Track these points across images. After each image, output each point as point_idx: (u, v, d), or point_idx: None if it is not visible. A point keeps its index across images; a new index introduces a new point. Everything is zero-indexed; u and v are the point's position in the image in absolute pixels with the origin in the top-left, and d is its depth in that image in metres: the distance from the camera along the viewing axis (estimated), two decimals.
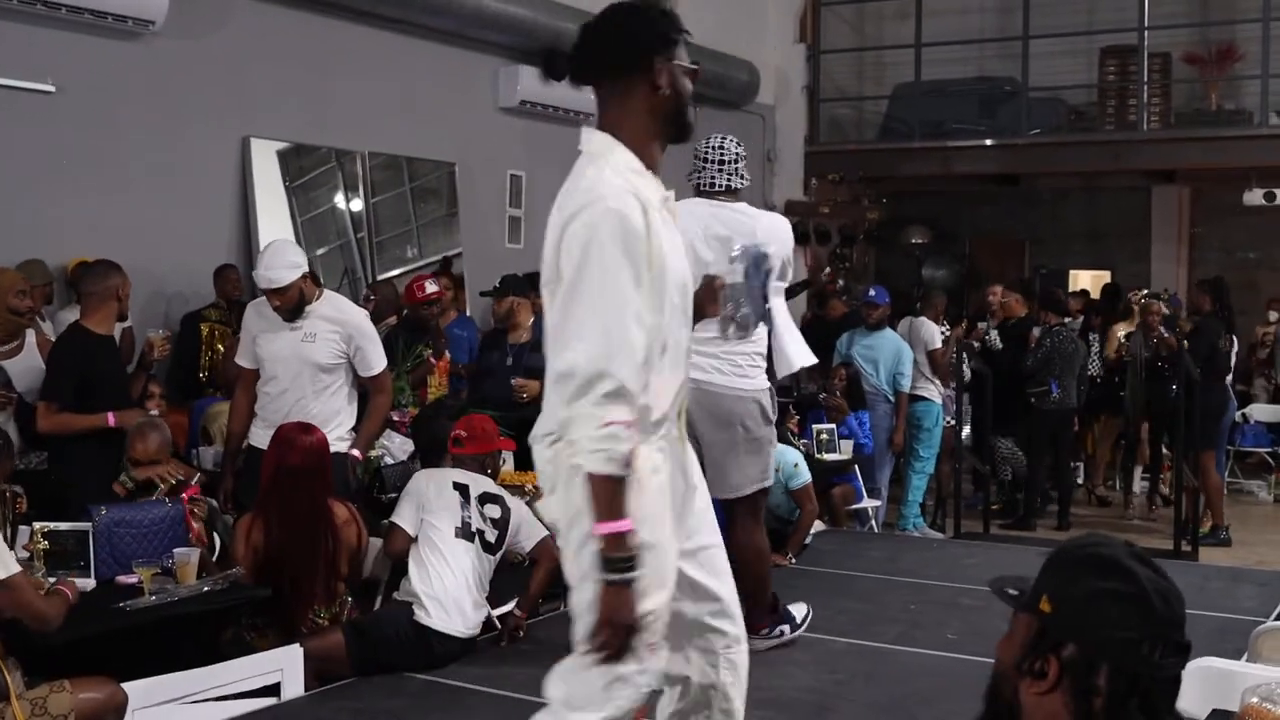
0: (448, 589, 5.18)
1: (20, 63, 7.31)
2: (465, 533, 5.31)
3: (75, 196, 7.53)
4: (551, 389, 2.84)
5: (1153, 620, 1.97)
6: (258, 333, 5.76)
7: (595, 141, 3.08)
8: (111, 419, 5.59)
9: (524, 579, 5.67)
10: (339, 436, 5.66)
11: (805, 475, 7.21)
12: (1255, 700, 2.84)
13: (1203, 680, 3.28)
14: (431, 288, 7.61)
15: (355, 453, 5.76)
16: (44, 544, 4.60)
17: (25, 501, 4.85)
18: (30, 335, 6.02)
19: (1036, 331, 10.42)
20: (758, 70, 13.14)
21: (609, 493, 2.73)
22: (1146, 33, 12.65)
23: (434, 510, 5.31)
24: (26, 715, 3.83)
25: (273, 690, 4.73)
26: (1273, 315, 12.39)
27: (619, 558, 2.74)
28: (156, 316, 7.57)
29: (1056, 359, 10.01)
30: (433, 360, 7.30)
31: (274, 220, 8.76)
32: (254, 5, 8.67)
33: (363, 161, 9.48)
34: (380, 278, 9.34)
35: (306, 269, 5.70)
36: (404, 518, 5.35)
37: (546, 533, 5.56)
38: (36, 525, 4.69)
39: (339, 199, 9.38)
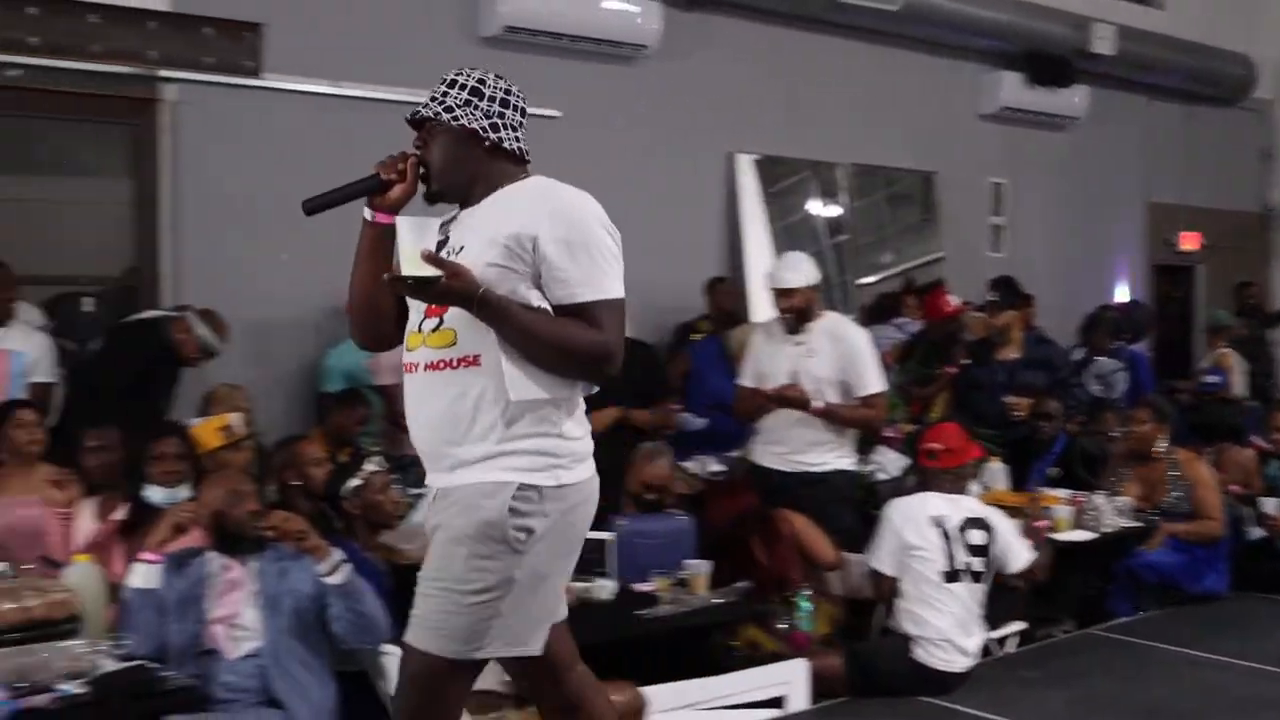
0: (942, 631, 5.12)
1: (532, 91, 7.76)
2: (952, 576, 5.20)
3: None
4: None
5: None
6: (760, 353, 5.90)
7: None
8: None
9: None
10: (838, 455, 5.74)
11: None
12: None
13: None
14: (955, 302, 7.53)
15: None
16: None
17: None
18: None
19: None
20: (1253, 63, 12.33)
21: None
22: None
23: (915, 554, 5.21)
24: None
25: (776, 702, 4.83)
26: None
27: None
28: (649, 328, 7.86)
29: None
30: (949, 371, 7.24)
31: (752, 229, 8.97)
32: (738, 24, 8.92)
33: (842, 170, 9.54)
34: (858, 283, 9.43)
35: (817, 282, 5.82)
36: (883, 562, 5.29)
37: (1031, 556, 5.42)
38: None
39: (813, 206, 9.47)
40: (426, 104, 3.07)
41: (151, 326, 6.09)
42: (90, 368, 6.13)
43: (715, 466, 6.51)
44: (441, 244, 3.01)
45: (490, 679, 4.18)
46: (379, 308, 3.11)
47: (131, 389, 5.85)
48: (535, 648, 3.01)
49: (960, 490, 5.49)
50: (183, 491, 4.69)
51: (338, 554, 4.12)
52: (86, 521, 4.81)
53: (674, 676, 4.55)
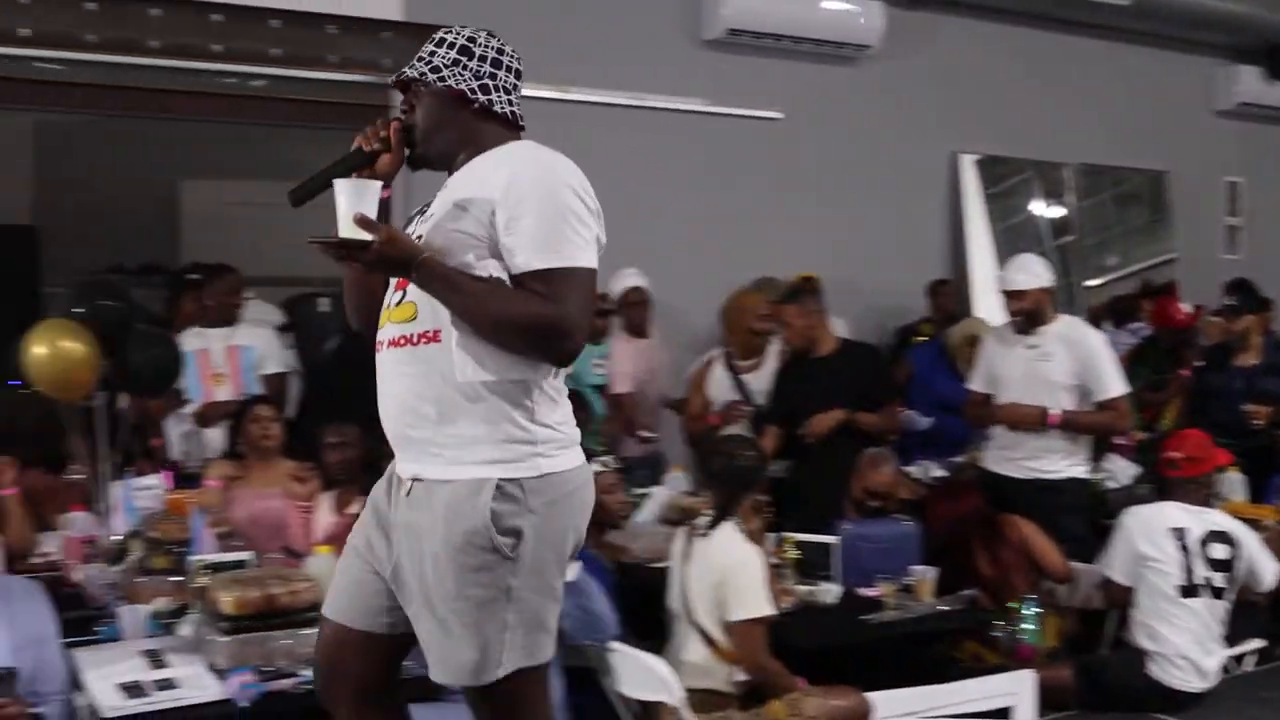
0: (1179, 649, 4.94)
1: (753, 93, 7.82)
2: (1190, 590, 5.00)
3: (799, 215, 7.93)
4: None
5: None
6: (993, 356, 5.81)
7: None
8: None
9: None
10: (1072, 462, 5.62)
11: None
12: None
13: None
14: (1186, 308, 7.33)
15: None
16: (796, 553, 4.88)
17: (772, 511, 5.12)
18: (773, 349, 6.35)
19: None
20: None
21: None
22: None
23: (1150, 566, 5.03)
24: (785, 714, 4.06)
25: (1002, 714, 4.73)
26: None
27: None
28: (871, 331, 7.80)
29: None
30: (1183, 376, 7.03)
31: (975, 230, 8.82)
32: (962, 22, 8.78)
33: (1067, 169, 9.32)
34: (1084, 285, 9.19)
35: (1049, 285, 5.71)
36: (1117, 570, 5.13)
37: (1277, 568, 5.20)
38: (786, 535, 4.97)
39: (1036, 206, 9.28)
40: (413, 64, 2.84)
41: None
42: (326, 366, 6.35)
43: (938, 471, 6.42)
44: (422, 211, 2.82)
45: (717, 678, 4.21)
46: (370, 288, 2.88)
47: (364, 387, 6.02)
48: (546, 655, 2.73)
49: (1204, 501, 5.25)
50: None
51: None
52: (325, 514, 4.99)
53: (895, 684, 4.50)
